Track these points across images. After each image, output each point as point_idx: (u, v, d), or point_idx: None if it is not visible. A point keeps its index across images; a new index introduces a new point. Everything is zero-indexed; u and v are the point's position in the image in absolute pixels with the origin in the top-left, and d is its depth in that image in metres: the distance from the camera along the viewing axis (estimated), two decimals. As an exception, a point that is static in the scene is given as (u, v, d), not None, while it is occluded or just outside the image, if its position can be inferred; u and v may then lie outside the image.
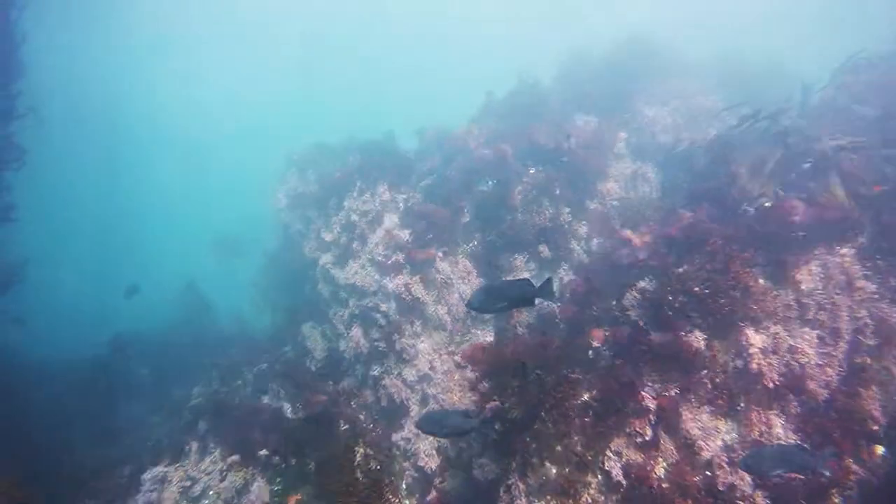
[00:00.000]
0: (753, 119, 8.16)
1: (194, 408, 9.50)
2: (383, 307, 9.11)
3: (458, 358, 8.01)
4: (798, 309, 5.91)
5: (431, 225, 9.38)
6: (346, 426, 8.01)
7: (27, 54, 11.96)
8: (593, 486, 5.38)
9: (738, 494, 5.01)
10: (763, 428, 5.33)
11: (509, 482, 5.66)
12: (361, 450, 7.29)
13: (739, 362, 5.59)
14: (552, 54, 13.89)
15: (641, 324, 6.15)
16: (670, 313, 5.92)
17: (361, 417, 8.50)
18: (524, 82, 12.83)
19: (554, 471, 5.56)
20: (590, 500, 5.29)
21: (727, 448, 5.35)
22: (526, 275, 8.66)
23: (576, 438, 5.62)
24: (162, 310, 16.12)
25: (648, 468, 5.31)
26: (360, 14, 40.98)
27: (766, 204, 6.73)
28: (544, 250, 8.80)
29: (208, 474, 8.01)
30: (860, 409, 5.26)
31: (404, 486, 7.59)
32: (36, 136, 12.36)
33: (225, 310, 15.81)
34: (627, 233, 7.70)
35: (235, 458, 7.97)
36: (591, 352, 6.37)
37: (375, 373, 8.80)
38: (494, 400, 6.00)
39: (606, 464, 5.41)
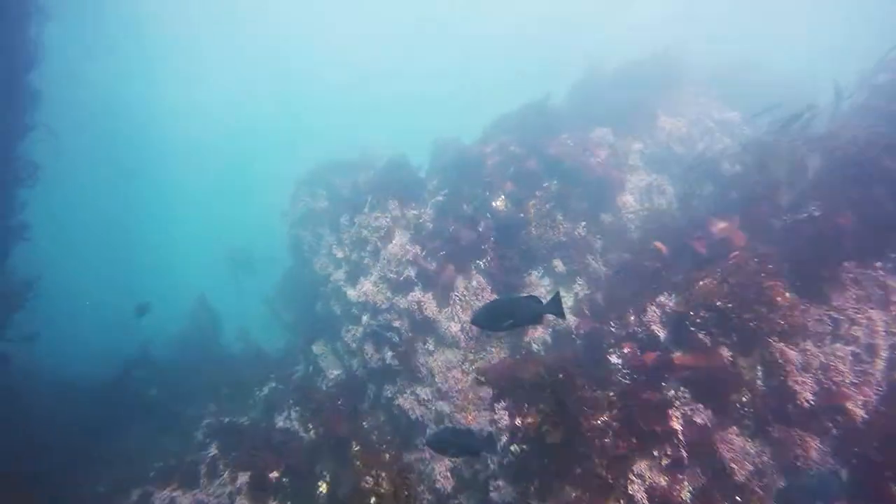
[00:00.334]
0: (791, 120, 7.86)
1: (204, 428, 9.37)
2: (396, 324, 8.96)
3: (474, 375, 7.80)
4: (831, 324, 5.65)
5: (443, 241, 9.25)
6: (359, 447, 7.80)
7: (39, 77, 11.80)
8: (616, 511, 5.12)
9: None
10: (799, 451, 5.06)
11: (528, 506, 5.43)
12: (374, 471, 7.08)
13: (772, 381, 5.33)
14: (564, 66, 13.87)
15: (664, 339, 5.93)
16: (692, 329, 5.69)
17: (374, 438, 8.29)
18: (536, 94, 12.75)
19: (574, 494, 5.31)
20: (613, 527, 5.03)
21: (758, 472, 5.08)
22: (541, 290, 8.49)
23: (597, 461, 5.37)
24: (172, 326, 16.07)
25: (674, 492, 5.06)
26: (359, 14, 41.43)
27: (816, 213, 6.31)
28: (559, 265, 8.68)
29: (217, 497, 7.84)
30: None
31: (419, 509, 7.34)
32: (48, 149, 12.21)
33: (236, 327, 15.71)
34: (657, 244, 7.46)
35: (246, 479, 7.80)
36: (611, 369, 6.14)
37: (388, 392, 8.62)
38: (522, 417, 5.75)
39: (629, 487, 5.15)
